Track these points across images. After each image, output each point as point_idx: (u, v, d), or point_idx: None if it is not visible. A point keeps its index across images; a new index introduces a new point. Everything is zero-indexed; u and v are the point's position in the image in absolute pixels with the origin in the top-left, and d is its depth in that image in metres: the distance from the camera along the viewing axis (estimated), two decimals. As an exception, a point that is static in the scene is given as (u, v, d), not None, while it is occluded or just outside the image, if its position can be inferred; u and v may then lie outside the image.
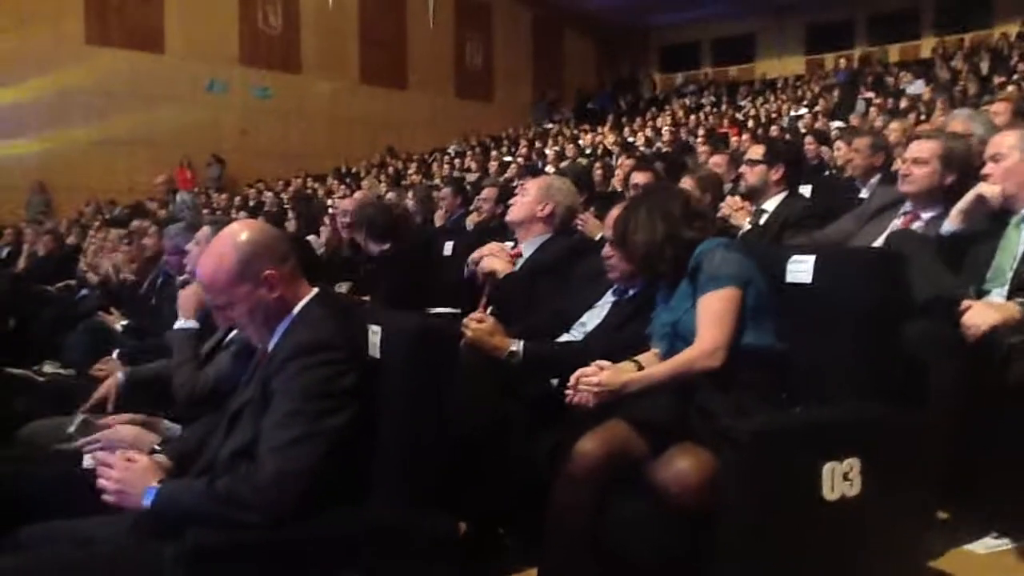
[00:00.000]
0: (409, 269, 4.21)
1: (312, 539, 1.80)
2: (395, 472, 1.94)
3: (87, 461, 2.19)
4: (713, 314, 2.22)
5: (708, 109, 16.90)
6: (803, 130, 10.29)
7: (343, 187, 13.11)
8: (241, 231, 1.97)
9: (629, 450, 2.13)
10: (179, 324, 2.93)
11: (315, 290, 2.02)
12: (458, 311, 3.44)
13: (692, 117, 15.56)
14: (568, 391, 2.23)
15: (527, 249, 3.39)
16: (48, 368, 4.18)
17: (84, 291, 6.40)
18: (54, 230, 10.95)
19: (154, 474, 1.89)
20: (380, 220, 4.32)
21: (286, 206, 10.53)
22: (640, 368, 2.33)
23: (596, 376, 2.20)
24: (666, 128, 13.83)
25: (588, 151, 13.00)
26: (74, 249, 8.96)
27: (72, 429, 2.55)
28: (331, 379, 1.85)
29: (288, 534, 1.77)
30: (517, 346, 2.64)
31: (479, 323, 2.67)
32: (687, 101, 18.79)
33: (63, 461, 2.37)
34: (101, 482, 1.88)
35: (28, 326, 4.91)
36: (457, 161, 14.82)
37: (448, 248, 4.53)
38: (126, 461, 1.90)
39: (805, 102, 14.54)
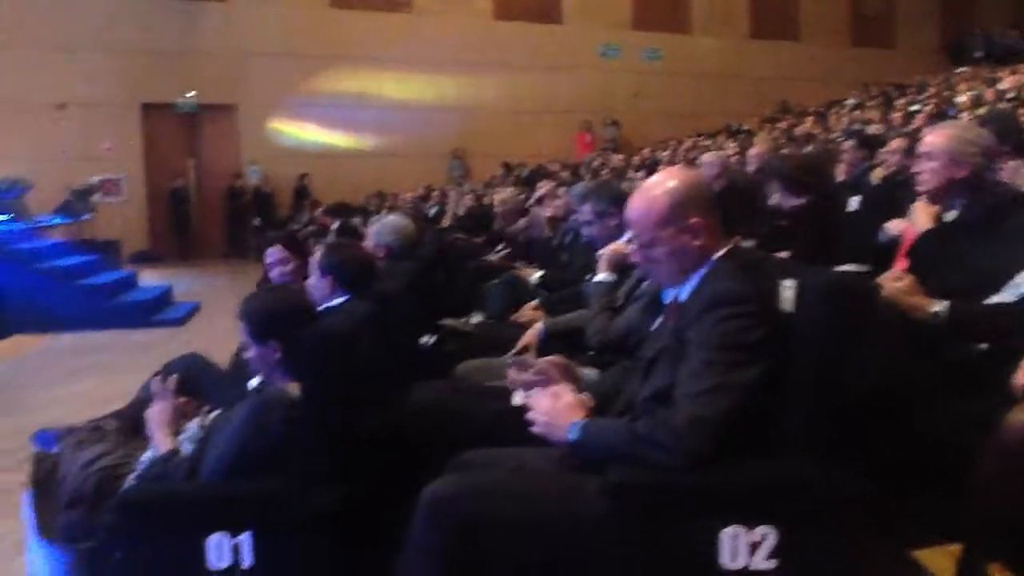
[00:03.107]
0: (824, 224, 3.90)
1: (726, 486, 1.84)
2: (806, 427, 1.91)
3: (517, 398, 2.32)
4: None
5: None
6: None
7: (734, 144, 12.93)
8: (673, 177, 2.05)
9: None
10: (598, 277, 3.12)
11: (729, 244, 2.04)
12: (867, 269, 3.28)
13: None
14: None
15: (949, 207, 3.08)
16: (475, 319, 4.66)
17: (500, 246, 7.01)
18: (474, 191, 12.11)
19: (579, 410, 2.00)
20: (792, 174, 3.88)
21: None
22: None
23: None
24: (1114, 63, 11.86)
25: (1011, 95, 11.54)
26: (490, 208, 9.77)
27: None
28: (744, 331, 1.87)
29: (703, 479, 1.82)
30: (941, 306, 2.46)
31: (896, 280, 2.55)
32: None
33: (496, 397, 2.64)
34: (531, 414, 2.03)
35: (455, 277, 5.49)
36: (856, 112, 13.96)
37: (853, 203, 4.32)
38: (554, 397, 2.05)
39: None
